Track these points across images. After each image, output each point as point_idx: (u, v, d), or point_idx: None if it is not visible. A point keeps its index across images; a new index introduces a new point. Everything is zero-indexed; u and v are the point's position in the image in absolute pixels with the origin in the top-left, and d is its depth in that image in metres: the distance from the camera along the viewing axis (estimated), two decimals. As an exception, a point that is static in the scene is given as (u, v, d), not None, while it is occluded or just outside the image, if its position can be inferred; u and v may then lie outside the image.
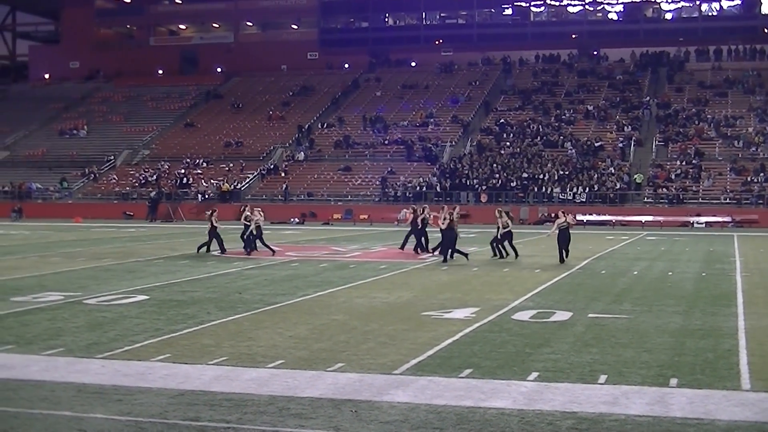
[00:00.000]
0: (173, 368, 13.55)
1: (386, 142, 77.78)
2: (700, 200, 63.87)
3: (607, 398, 11.81)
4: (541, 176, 67.40)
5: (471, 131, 78.00)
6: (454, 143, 76.25)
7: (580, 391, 12.21)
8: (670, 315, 19.18)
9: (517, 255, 32.87)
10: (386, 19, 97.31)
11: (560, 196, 65.35)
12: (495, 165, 69.81)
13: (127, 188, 76.31)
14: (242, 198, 71.66)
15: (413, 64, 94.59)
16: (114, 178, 78.44)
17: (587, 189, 65.26)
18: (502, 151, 72.40)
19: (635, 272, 28.73)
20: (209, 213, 36.03)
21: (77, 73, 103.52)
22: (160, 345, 15.40)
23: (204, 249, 34.63)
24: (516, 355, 14.66)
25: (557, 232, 30.86)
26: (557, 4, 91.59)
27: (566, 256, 31.14)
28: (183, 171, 76.84)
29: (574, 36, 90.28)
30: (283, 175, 74.93)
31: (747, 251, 38.60)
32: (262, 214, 36.18)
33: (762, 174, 64.79)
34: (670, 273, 28.53)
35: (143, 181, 76.28)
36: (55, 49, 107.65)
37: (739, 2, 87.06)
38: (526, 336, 16.38)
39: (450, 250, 31.87)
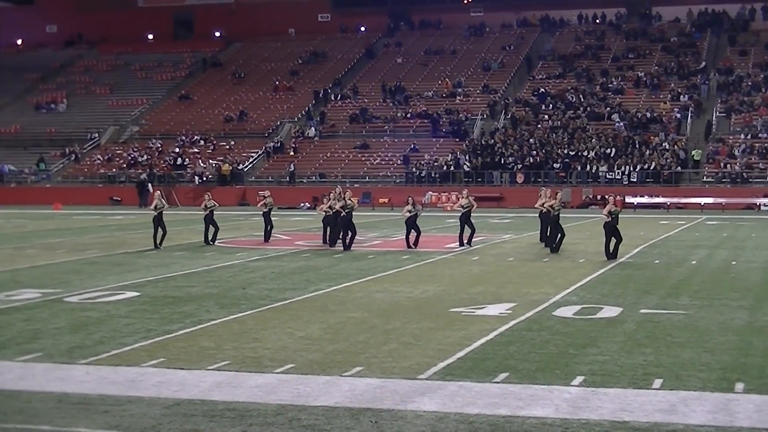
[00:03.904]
0: (168, 374, 13.58)
1: (408, 115, 77.70)
2: (768, 179, 63.67)
3: (662, 405, 11.77)
4: (585, 153, 67.19)
5: (505, 103, 77.81)
6: (485, 116, 76.09)
7: (632, 397, 12.17)
8: (734, 310, 19.11)
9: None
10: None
11: (607, 176, 65.12)
12: (532, 141, 69.65)
13: (114, 170, 76.46)
14: (244, 180, 71.79)
15: (439, 26, 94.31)
16: (98, 159, 78.62)
17: (638, 167, 65.00)
18: (541, 125, 72.22)
19: (693, 262, 28.64)
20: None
21: (55, 39, 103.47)
22: (153, 348, 15.44)
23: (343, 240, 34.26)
24: (558, 356, 14.64)
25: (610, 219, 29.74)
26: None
27: (614, 251, 29.46)
28: (177, 150, 77.00)
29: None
30: (291, 153, 74.98)
31: (822, 237, 38.46)
32: (163, 199, 35.85)
33: (839, 149, 64.49)
34: (734, 262, 28.43)
35: (132, 162, 76.44)
36: (28, 11, 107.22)
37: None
38: (569, 335, 16.36)
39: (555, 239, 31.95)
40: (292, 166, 71.46)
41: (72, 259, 30.02)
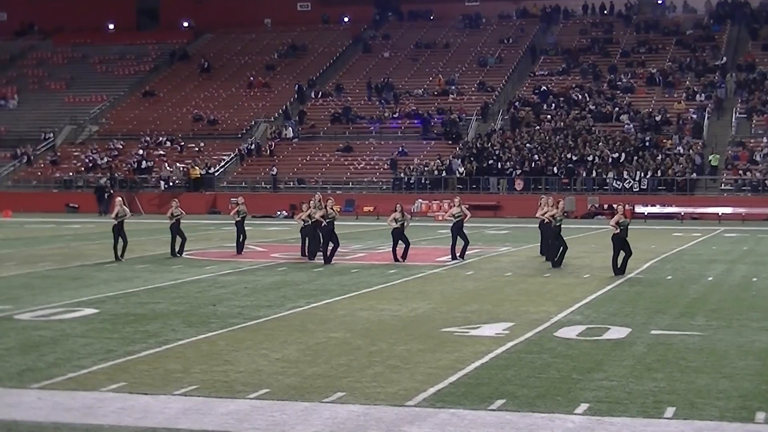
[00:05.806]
0: (129, 400, 13.54)
1: (396, 115, 77.73)
2: (793, 187, 63.80)
3: (675, 436, 11.79)
4: (591, 158, 67.27)
5: (502, 102, 77.91)
6: (480, 117, 76.18)
7: (642, 427, 12.20)
8: (754, 331, 19.13)
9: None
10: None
11: (615, 183, 65.17)
12: (532, 144, 69.72)
13: (71, 174, 76.31)
14: (215, 186, 71.70)
15: (430, 17, 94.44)
16: (53, 161, 78.40)
17: (649, 174, 65.11)
18: (542, 127, 72.28)
19: (710, 278, 28.68)
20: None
21: (5, 28, 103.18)
22: (113, 371, 15.40)
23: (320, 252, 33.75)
24: (560, 381, 14.65)
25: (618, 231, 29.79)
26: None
27: (623, 266, 29.49)
28: (141, 152, 76.86)
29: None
30: (268, 154, 74.87)
31: None
32: (125, 206, 35.54)
33: None
34: (755, 279, 28.47)
35: (90, 165, 76.29)
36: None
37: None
38: (572, 358, 16.37)
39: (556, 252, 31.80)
40: (275, 169, 71.32)
41: (23, 273, 29.90)
